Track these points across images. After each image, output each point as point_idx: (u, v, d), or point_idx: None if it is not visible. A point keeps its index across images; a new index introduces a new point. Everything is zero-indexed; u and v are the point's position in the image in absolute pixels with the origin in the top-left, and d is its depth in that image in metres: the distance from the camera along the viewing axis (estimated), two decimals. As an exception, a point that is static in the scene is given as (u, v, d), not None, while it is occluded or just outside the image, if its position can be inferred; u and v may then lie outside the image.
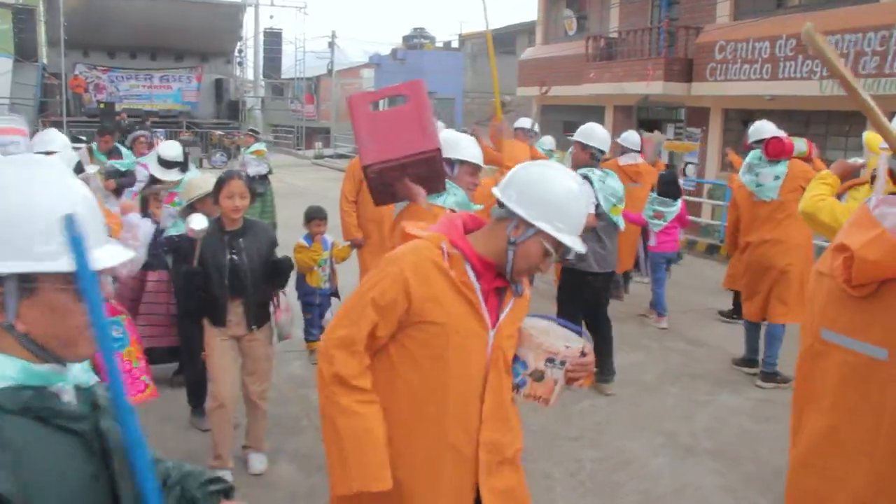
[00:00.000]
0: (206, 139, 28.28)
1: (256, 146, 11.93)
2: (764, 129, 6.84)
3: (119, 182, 7.25)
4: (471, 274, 2.27)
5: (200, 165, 25.39)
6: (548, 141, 10.30)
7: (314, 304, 6.65)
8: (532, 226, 2.21)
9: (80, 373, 1.39)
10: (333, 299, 6.77)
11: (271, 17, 41.85)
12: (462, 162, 4.06)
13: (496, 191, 2.30)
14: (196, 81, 31.43)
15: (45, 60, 28.56)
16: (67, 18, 25.54)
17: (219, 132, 27.98)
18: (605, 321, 6.18)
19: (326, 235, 6.62)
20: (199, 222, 4.18)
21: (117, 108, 26.89)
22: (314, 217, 6.55)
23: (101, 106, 26.76)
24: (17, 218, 1.24)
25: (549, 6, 22.37)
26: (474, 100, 35.25)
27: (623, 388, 6.15)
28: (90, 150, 8.25)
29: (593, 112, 19.27)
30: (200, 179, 5.13)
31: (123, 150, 9.16)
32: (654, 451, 5.09)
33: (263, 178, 11.56)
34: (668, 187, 8.26)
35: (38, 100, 27.31)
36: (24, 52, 26.93)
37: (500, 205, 2.27)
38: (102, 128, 9.78)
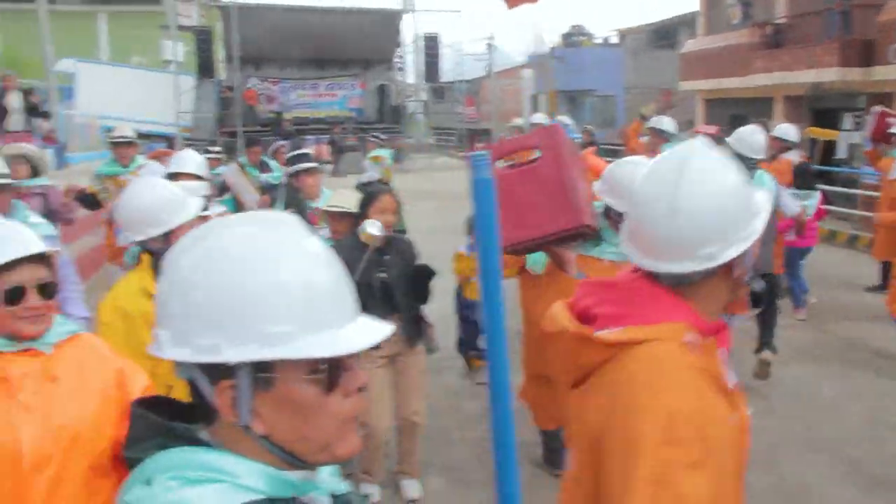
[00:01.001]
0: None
1: (376, 152, 12.01)
2: None
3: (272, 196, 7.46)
4: (723, 359, 1.67)
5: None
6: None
7: (469, 320, 6.33)
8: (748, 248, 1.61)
9: (329, 477, 1.18)
10: None
11: (429, 22, 42.49)
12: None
13: (694, 264, 1.57)
14: (360, 88, 32.44)
15: (221, 76, 30.39)
16: (242, 36, 27.05)
17: (382, 136, 28.75)
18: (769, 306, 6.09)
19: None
20: (378, 227, 3.83)
21: (286, 116, 28.27)
22: None
23: (272, 115, 28.24)
24: (244, 291, 1.01)
25: (712, -6, 21.41)
26: (635, 96, 34.32)
27: (796, 404, 5.70)
28: (241, 167, 8.46)
29: (761, 104, 18.25)
30: (350, 195, 4.79)
31: (271, 162, 9.41)
32: (835, 480, 4.66)
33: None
34: (804, 179, 7.76)
35: (217, 113, 29.09)
36: (204, 70, 28.79)
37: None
38: (250, 140, 9.93)
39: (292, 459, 1.07)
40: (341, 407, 1.07)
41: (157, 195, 3.07)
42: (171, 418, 1.08)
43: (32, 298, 2.11)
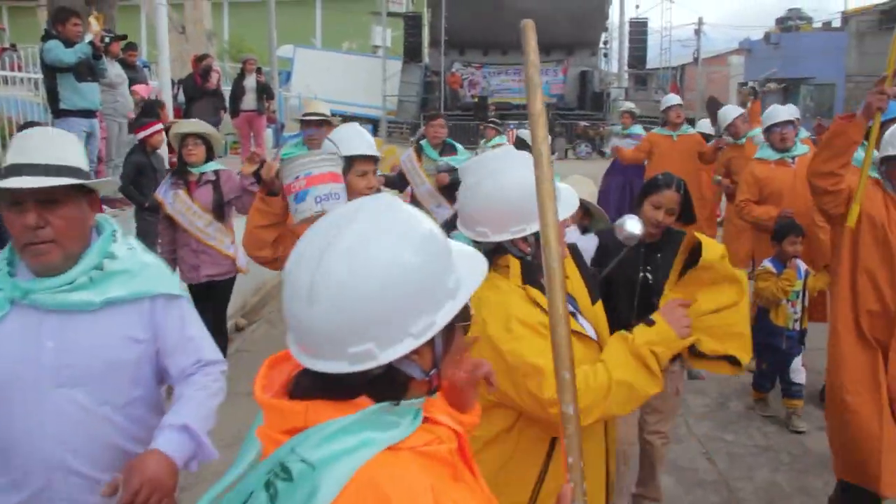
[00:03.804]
0: (570, 130, 28.85)
1: (497, 139, 10.72)
2: None
3: (452, 179, 6.33)
4: None
5: (566, 156, 26.09)
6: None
7: (779, 350, 5.33)
8: None
9: None
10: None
11: (637, 6, 41.38)
12: None
13: None
14: (562, 74, 32.18)
15: (427, 60, 31.16)
16: (448, 21, 27.57)
17: (583, 123, 28.38)
18: None
19: (800, 259, 5.33)
20: (635, 226, 3.23)
21: (489, 101, 28.53)
22: (789, 233, 5.26)
23: (475, 100, 28.60)
24: None
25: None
26: (858, 84, 31.77)
27: None
28: (419, 150, 7.27)
29: None
30: (582, 182, 4.20)
31: (458, 145, 7.58)
32: None
33: None
34: None
35: (421, 97, 29.86)
36: (410, 54, 29.69)
37: None
38: (429, 115, 7.75)
39: None
40: None
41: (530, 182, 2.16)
42: None
43: None
